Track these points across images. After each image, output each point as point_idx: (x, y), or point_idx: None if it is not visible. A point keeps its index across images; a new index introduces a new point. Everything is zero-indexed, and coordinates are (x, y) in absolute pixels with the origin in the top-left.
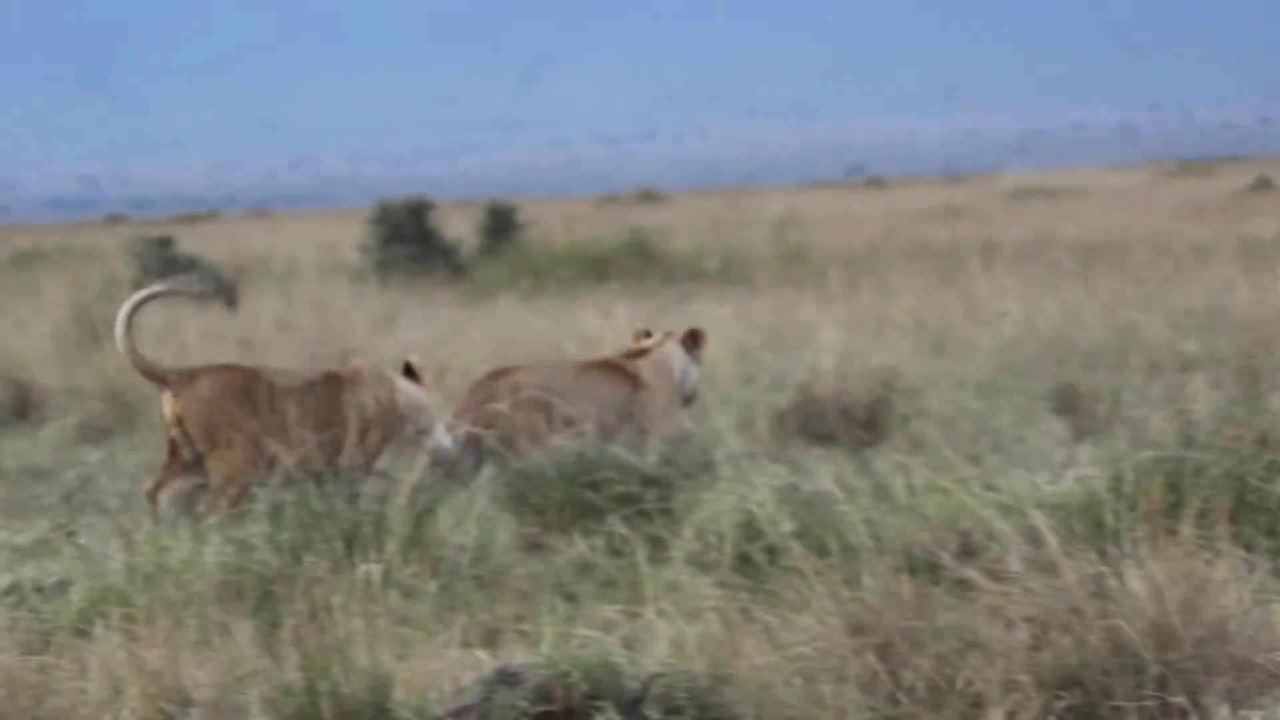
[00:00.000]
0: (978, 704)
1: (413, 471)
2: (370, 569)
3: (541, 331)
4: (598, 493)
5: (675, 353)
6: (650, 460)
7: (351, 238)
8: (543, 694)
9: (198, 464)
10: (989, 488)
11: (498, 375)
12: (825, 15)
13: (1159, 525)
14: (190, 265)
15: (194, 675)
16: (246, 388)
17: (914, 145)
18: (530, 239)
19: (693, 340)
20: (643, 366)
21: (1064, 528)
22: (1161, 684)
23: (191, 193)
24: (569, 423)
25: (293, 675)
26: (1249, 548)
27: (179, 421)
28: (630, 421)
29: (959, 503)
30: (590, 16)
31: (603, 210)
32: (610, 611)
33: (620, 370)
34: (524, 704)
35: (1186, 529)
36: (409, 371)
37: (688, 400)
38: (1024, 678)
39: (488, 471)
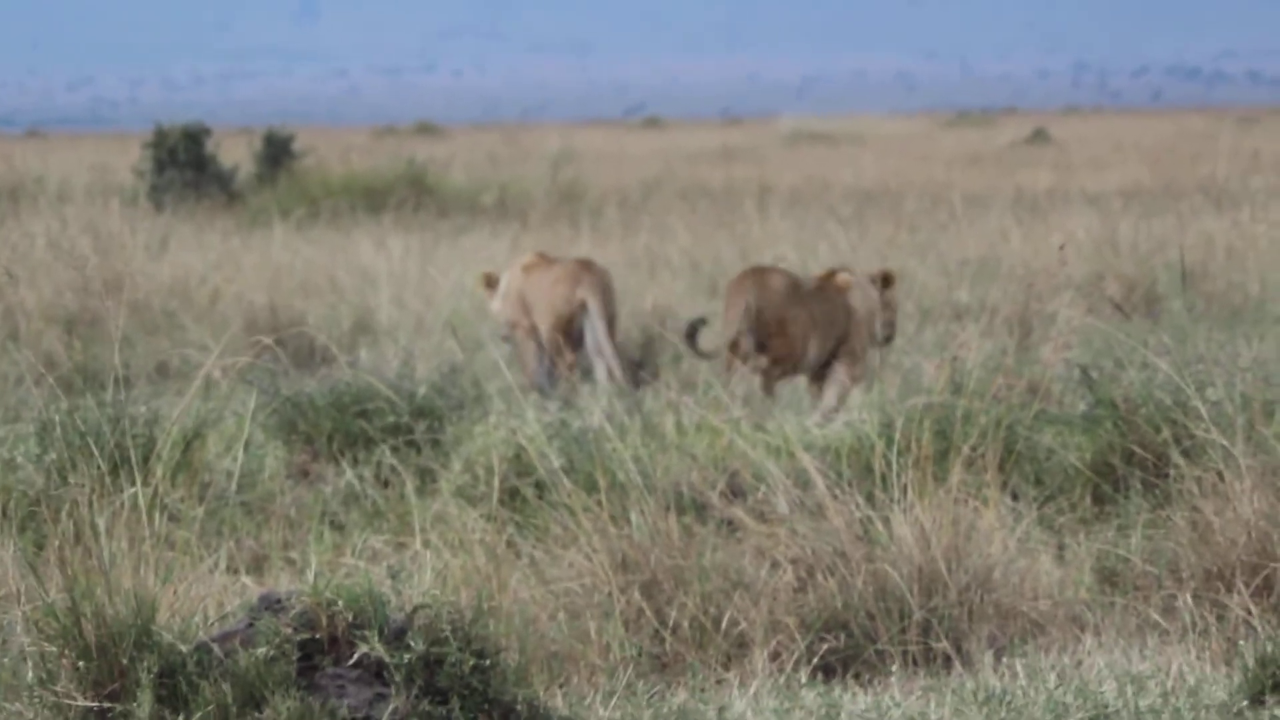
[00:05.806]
0: (742, 644)
1: None
2: (137, 491)
3: (315, 261)
4: (368, 422)
5: None
6: (420, 391)
7: (127, 161)
8: (307, 621)
9: None
10: (758, 428)
11: None
12: None
13: (928, 472)
14: None
15: None
16: None
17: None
18: (306, 168)
19: None
20: None
21: (832, 471)
22: (925, 630)
23: None
24: None
25: (56, 596)
26: (1015, 496)
27: None
28: None
29: (728, 443)
30: None
31: (380, 141)
32: (377, 541)
33: None
34: (288, 631)
35: (955, 476)
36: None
37: None
38: (788, 619)
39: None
